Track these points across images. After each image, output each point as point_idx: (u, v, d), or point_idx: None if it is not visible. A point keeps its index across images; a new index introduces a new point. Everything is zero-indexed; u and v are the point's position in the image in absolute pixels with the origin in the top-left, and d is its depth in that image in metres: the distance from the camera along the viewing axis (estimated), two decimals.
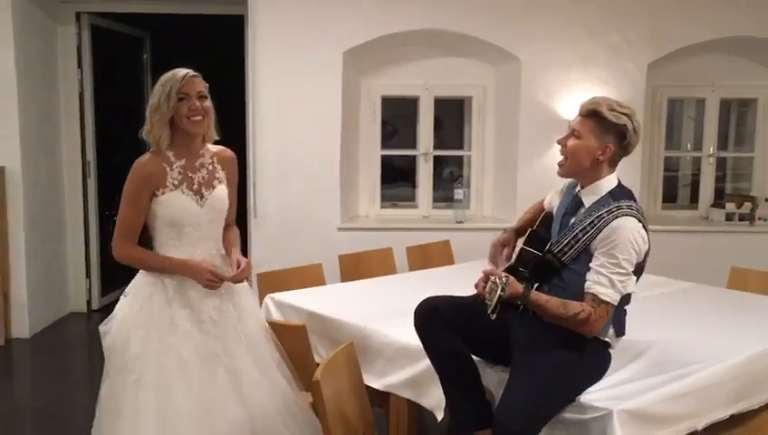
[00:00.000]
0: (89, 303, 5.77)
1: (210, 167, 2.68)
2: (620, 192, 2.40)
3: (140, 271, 2.67)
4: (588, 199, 2.42)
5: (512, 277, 2.27)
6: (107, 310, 2.73)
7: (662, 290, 3.56)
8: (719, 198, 5.68)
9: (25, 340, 5.07)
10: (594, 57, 5.14)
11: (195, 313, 2.57)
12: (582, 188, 2.45)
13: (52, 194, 5.50)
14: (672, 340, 2.74)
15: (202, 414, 2.49)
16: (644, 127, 5.22)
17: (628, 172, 4.96)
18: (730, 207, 5.42)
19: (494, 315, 2.18)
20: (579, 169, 2.41)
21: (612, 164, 2.42)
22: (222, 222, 2.74)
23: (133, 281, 2.69)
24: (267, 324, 2.85)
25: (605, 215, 2.31)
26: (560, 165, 2.48)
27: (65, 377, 4.55)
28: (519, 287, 2.28)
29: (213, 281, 2.55)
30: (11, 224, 5.04)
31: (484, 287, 2.22)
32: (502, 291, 2.17)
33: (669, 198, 5.91)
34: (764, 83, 5.57)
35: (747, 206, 5.42)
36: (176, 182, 2.58)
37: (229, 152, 2.79)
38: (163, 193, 2.56)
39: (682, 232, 5.31)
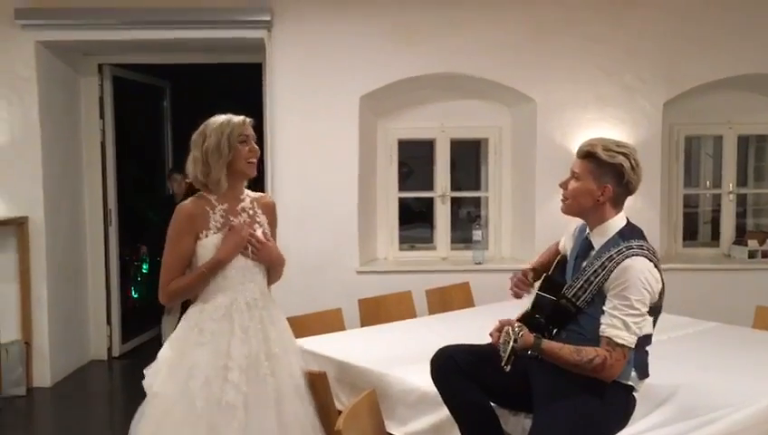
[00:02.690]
0: (109, 350, 5.76)
1: (251, 211, 2.73)
2: (629, 232, 2.38)
3: (183, 318, 2.68)
4: (597, 241, 2.40)
5: (525, 328, 2.25)
6: (127, 357, 2.76)
7: (686, 331, 3.51)
8: (740, 235, 5.62)
9: (47, 389, 5.08)
10: (609, 97, 5.16)
11: (225, 359, 2.56)
12: (591, 230, 2.44)
13: (73, 242, 5.56)
14: (698, 383, 2.69)
15: None
16: (661, 165, 5.23)
17: (647, 211, 5.04)
18: (752, 244, 5.36)
19: (509, 367, 2.16)
20: (581, 209, 2.42)
21: (616, 204, 2.40)
22: (264, 266, 2.75)
23: (177, 328, 2.72)
24: (305, 377, 2.80)
25: (615, 256, 2.29)
26: (562, 201, 2.48)
27: (87, 426, 4.54)
28: (531, 338, 2.25)
29: (249, 241, 2.60)
30: (34, 273, 5.09)
31: (499, 337, 2.21)
32: (515, 342, 2.15)
33: (689, 235, 5.85)
34: None
35: None
36: (218, 225, 2.63)
37: (269, 198, 2.86)
38: (206, 236, 2.60)
39: (704, 270, 5.23)
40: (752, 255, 5.34)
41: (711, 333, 3.57)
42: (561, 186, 2.47)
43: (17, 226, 5.03)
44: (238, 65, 5.69)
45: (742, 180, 5.84)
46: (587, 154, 2.38)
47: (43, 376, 5.12)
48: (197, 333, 2.59)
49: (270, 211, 2.81)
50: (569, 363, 2.25)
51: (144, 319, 6.16)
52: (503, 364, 2.16)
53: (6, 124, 5.05)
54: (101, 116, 5.72)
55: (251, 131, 2.68)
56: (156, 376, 2.60)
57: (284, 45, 5.09)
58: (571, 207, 2.45)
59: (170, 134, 6.70)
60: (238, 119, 2.65)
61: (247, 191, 2.78)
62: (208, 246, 2.60)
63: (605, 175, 2.35)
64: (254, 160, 2.67)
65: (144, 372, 2.65)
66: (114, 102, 5.81)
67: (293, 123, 5.13)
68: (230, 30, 5.03)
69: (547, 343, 2.28)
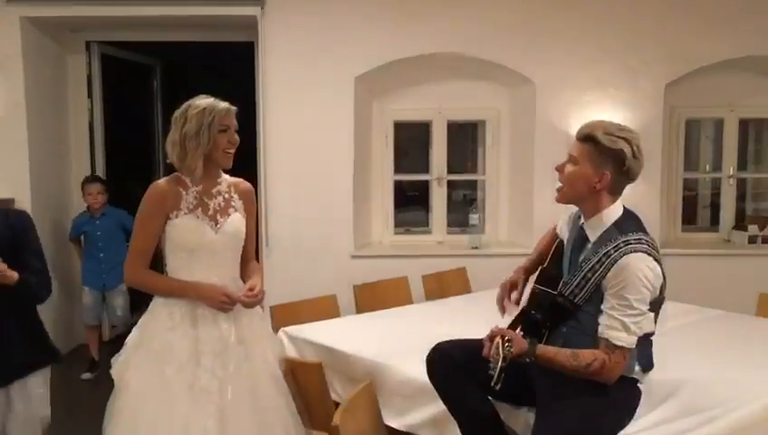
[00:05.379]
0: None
1: (227, 195, 2.64)
2: (626, 222, 2.25)
3: (153, 300, 2.60)
4: (592, 233, 2.28)
5: (516, 340, 2.13)
6: (119, 340, 2.67)
7: (689, 319, 3.44)
8: (740, 220, 5.55)
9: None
10: (610, 78, 5.06)
11: (196, 344, 2.49)
12: (586, 220, 2.31)
13: (61, 224, 5.44)
14: (704, 376, 2.61)
15: None
16: (662, 148, 5.14)
17: (646, 194, 4.96)
18: (752, 229, 5.30)
19: (498, 386, 2.03)
20: (576, 196, 2.29)
21: (614, 192, 2.27)
22: (238, 251, 2.67)
23: (145, 313, 2.63)
24: (281, 364, 2.73)
25: (612, 252, 2.16)
26: (558, 190, 2.35)
27: (78, 410, 4.46)
28: (524, 344, 2.14)
29: (226, 302, 2.48)
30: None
31: (490, 348, 2.09)
32: (504, 362, 2.02)
33: (688, 219, 5.78)
34: None
35: None
36: (190, 206, 2.54)
37: (247, 184, 2.74)
38: (177, 216, 2.52)
39: (703, 256, 5.17)
40: (752, 240, 5.28)
41: (714, 321, 3.50)
42: (557, 169, 2.33)
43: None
44: (231, 44, 5.56)
45: (741, 164, 5.76)
46: (586, 137, 2.23)
47: None
48: (167, 317, 2.52)
49: (247, 197, 2.70)
50: (566, 369, 2.16)
51: (133, 302, 6.05)
52: (492, 384, 2.03)
53: None
54: (89, 95, 5.58)
55: (233, 121, 2.57)
56: (125, 365, 2.52)
57: (277, 23, 4.95)
58: (566, 195, 2.31)
59: (161, 114, 6.56)
60: (222, 106, 2.53)
61: (225, 175, 2.68)
62: (179, 226, 2.52)
63: (604, 161, 2.21)
64: (232, 151, 2.56)
65: (111, 361, 2.57)
66: (102, 81, 5.66)
67: (287, 104, 5.01)
68: (222, 6, 4.89)
69: (542, 350, 2.18)
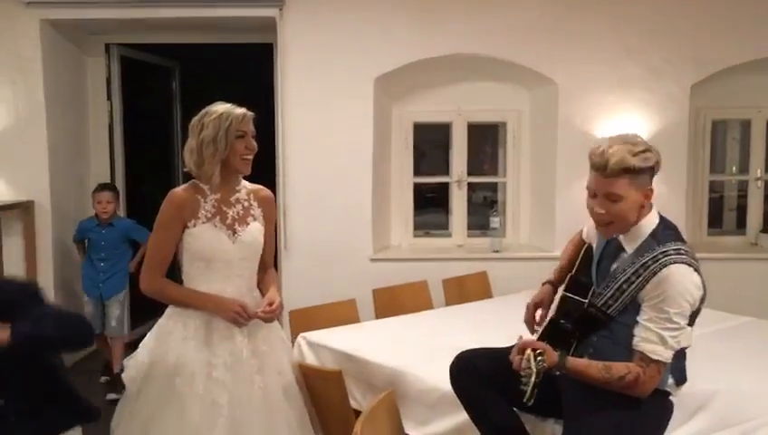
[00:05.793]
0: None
1: (246, 203, 2.60)
2: (664, 232, 2.16)
3: (169, 308, 2.57)
4: (630, 244, 2.19)
5: (548, 348, 2.05)
6: (136, 343, 2.64)
7: (719, 326, 3.34)
8: (767, 223, 5.42)
9: None
10: (634, 79, 4.96)
11: (209, 356, 2.45)
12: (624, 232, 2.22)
13: None
14: (736, 386, 2.53)
15: None
16: (687, 150, 5.04)
17: (671, 197, 4.86)
18: None
19: (531, 402, 1.97)
20: (629, 225, 2.17)
21: (650, 199, 2.19)
22: (255, 261, 2.63)
23: (161, 317, 2.61)
24: (296, 376, 2.68)
25: (650, 263, 2.08)
26: (603, 230, 2.21)
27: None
28: (554, 357, 2.06)
29: (240, 315, 2.43)
30: (40, 257, 4.98)
31: (521, 362, 2.01)
32: (537, 377, 1.95)
33: (713, 222, 5.66)
34: None
35: None
36: (208, 215, 2.51)
37: (267, 192, 2.70)
38: (195, 225, 2.49)
39: (731, 260, 5.04)
40: None
41: (745, 328, 3.40)
42: (597, 214, 2.17)
43: (23, 210, 4.91)
44: (249, 45, 5.52)
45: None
46: (622, 171, 2.09)
47: None
48: (182, 327, 2.49)
49: (267, 205, 2.67)
50: (597, 381, 2.09)
51: (155, 303, 6.04)
52: (524, 400, 1.97)
53: (11, 106, 4.90)
54: (109, 97, 5.57)
55: (250, 127, 2.54)
56: (138, 370, 2.50)
57: (296, 24, 4.91)
58: (618, 228, 2.18)
59: (180, 116, 6.54)
60: (238, 112, 2.50)
61: (244, 182, 2.65)
62: (196, 235, 2.49)
63: (644, 180, 2.13)
64: (250, 157, 2.53)
65: (124, 362, 2.55)
66: (122, 83, 5.65)
67: (305, 106, 4.97)
68: (241, 8, 4.86)
69: (572, 362, 2.10)
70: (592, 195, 2.18)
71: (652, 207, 2.21)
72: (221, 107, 2.50)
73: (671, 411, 2.23)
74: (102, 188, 4.91)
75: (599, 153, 2.12)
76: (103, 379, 4.97)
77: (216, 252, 2.50)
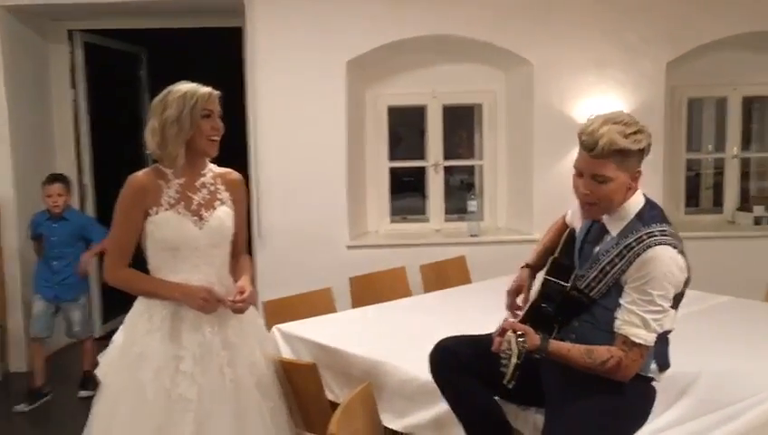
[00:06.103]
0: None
1: (212, 187, 2.49)
2: (649, 214, 2.10)
3: (136, 301, 2.47)
4: (614, 226, 2.12)
5: (529, 330, 2.00)
6: (108, 337, 2.56)
7: (698, 306, 3.30)
8: (744, 201, 5.42)
9: (23, 374, 4.85)
10: (610, 58, 4.90)
11: (176, 349, 2.36)
12: (609, 213, 2.15)
13: None
14: (719, 369, 2.48)
15: None
16: (663, 129, 5.00)
17: (647, 176, 4.75)
18: (758, 209, 5.17)
19: (512, 384, 1.92)
20: (613, 207, 2.11)
21: (637, 181, 2.12)
22: (225, 248, 2.52)
23: (129, 311, 2.52)
24: (270, 368, 2.59)
25: (634, 245, 2.02)
26: (586, 209, 2.14)
27: (65, 410, 4.33)
28: (536, 340, 2.00)
29: (207, 301, 2.33)
30: (6, 254, 4.85)
31: (501, 343, 1.96)
32: (518, 358, 1.90)
33: (691, 200, 5.65)
34: None
35: None
36: (171, 201, 2.39)
37: (236, 174, 2.59)
38: (157, 212, 2.38)
39: (708, 238, 5.01)
40: (758, 221, 5.16)
41: (724, 308, 3.37)
42: (584, 196, 2.10)
43: None
44: (219, 30, 5.38)
45: (744, 144, 5.63)
46: (612, 153, 2.01)
47: (20, 361, 4.91)
48: (147, 320, 2.39)
49: (235, 188, 2.56)
50: (579, 365, 2.03)
51: (125, 297, 5.92)
52: (505, 381, 1.92)
53: None
54: (73, 86, 5.42)
55: (216, 106, 2.43)
56: (109, 365, 2.42)
57: (265, 7, 4.79)
58: (604, 210, 2.11)
59: (148, 103, 6.38)
60: (204, 90, 2.39)
61: (211, 166, 2.53)
62: (158, 223, 2.37)
63: (634, 162, 2.05)
64: (217, 138, 2.42)
65: (98, 358, 2.47)
66: (87, 71, 5.49)
67: (276, 90, 4.86)
68: None
69: (554, 345, 2.04)
70: (579, 174, 2.11)
71: (638, 188, 2.15)
72: (185, 86, 2.39)
73: (654, 398, 2.18)
74: (52, 179, 4.47)
75: (588, 132, 2.04)
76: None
77: (181, 240, 2.39)
